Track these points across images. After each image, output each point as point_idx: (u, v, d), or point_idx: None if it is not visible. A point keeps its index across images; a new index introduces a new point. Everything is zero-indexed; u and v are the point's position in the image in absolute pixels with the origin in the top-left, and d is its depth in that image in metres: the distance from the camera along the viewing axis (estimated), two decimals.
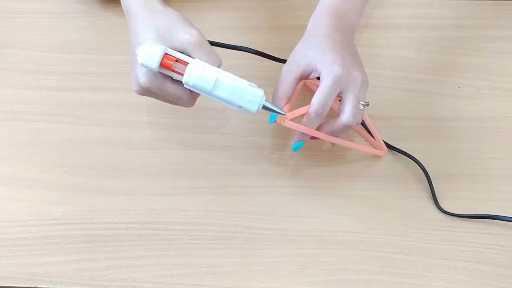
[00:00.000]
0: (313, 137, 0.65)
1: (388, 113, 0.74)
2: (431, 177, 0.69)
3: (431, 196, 0.68)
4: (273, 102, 0.63)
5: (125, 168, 0.70)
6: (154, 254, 0.65)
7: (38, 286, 0.63)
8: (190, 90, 0.58)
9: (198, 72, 0.56)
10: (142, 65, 0.56)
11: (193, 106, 0.62)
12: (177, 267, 0.64)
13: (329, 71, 0.60)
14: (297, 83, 0.63)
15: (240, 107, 0.59)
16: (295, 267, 0.65)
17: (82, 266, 0.64)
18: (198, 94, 0.60)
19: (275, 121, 0.62)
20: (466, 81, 0.77)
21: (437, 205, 0.68)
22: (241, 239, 0.66)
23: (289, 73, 0.63)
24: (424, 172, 0.69)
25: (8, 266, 0.64)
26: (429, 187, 0.69)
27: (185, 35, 0.57)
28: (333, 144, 0.68)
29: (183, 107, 0.62)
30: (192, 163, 0.71)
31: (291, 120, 0.62)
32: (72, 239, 0.65)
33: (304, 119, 0.62)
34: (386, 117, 0.74)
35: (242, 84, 0.58)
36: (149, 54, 0.55)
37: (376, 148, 0.71)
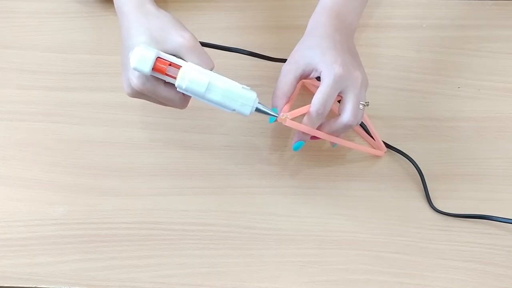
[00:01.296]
0: (313, 137, 0.65)
1: (388, 113, 0.74)
2: (430, 177, 0.69)
3: (428, 196, 0.68)
4: (272, 101, 0.63)
5: (125, 168, 0.70)
6: (154, 254, 0.65)
7: (38, 286, 0.63)
8: (182, 94, 0.59)
9: (191, 76, 0.56)
10: (135, 69, 0.56)
11: (186, 108, 0.62)
12: (177, 267, 0.64)
13: (329, 70, 0.60)
14: (297, 83, 0.63)
15: (234, 110, 0.59)
16: (295, 267, 0.65)
17: (82, 266, 0.64)
18: (190, 97, 0.60)
19: (276, 121, 0.62)
20: (466, 81, 0.77)
21: (430, 205, 0.68)
22: (241, 239, 0.66)
23: (288, 72, 0.63)
24: (418, 172, 0.69)
25: (8, 266, 0.64)
26: (423, 187, 0.69)
27: (178, 38, 0.57)
28: (333, 145, 0.68)
29: (176, 109, 0.62)
30: (191, 163, 0.71)
31: (291, 119, 0.62)
32: (72, 239, 0.65)
33: (305, 119, 0.62)
34: (386, 117, 0.74)
35: (235, 87, 0.58)
36: (141, 59, 0.55)
37: (375, 148, 0.71)
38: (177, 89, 0.57)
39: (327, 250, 0.65)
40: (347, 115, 0.61)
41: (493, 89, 0.77)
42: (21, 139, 0.72)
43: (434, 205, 0.68)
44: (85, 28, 0.81)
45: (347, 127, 0.63)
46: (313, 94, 0.61)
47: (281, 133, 0.73)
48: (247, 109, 0.59)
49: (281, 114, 0.61)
